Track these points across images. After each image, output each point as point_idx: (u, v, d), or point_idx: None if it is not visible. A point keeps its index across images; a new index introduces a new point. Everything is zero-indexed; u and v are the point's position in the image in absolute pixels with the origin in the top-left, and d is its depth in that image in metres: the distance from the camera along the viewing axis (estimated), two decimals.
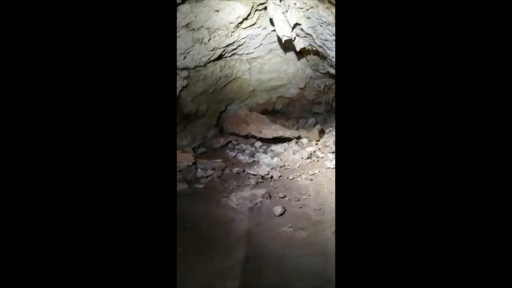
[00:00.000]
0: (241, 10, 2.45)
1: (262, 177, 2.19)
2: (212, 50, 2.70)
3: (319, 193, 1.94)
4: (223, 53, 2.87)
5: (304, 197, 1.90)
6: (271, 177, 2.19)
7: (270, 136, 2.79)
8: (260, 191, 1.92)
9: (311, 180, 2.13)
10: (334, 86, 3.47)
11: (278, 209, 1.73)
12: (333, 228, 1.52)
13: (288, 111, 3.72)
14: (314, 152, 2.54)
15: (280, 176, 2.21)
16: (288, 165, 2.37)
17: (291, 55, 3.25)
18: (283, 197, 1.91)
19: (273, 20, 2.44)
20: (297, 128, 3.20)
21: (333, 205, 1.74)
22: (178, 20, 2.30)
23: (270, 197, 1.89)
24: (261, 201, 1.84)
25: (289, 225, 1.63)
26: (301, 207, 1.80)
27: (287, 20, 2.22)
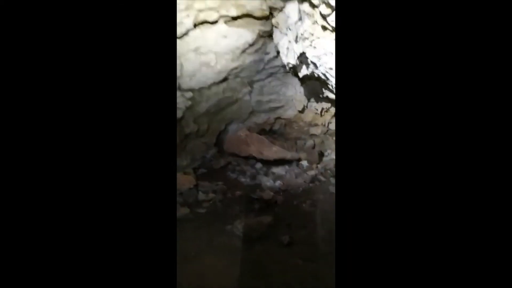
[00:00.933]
0: (248, 37, 2.54)
1: (266, 202, 2.17)
2: (218, 73, 2.75)
3: (325, 221, 1.94)
4: (227, 76, 2.92)
5: (311, 225, 1.89)
6: (275, 202, 2.17)
7: (271, 158, 2.80)
8: (266, 219, 1.89)
9: (316, 206, 2.12)
10: (331, 109, 3.60)
11: (286, 238, 1.70)
12: None
13: (286, 132, 3.78)
14: (316, 175, 2.56)
15: (284, 201, 2.19)
16: (291, 190, 2.37)
17: (290, 78, 3.35)
18: (289, 224, 1.88)
19: (278, 47, 2.54)
20: (296, 150, 3.24)
21: None
22: (187, 44, 2.34)
23: (276, 225, 1.87)
24: (267, 229, 1.80)
25: (299, 256, 1.59)
26: (308, 236, 1.78)
27: (293, 49, 2.31)
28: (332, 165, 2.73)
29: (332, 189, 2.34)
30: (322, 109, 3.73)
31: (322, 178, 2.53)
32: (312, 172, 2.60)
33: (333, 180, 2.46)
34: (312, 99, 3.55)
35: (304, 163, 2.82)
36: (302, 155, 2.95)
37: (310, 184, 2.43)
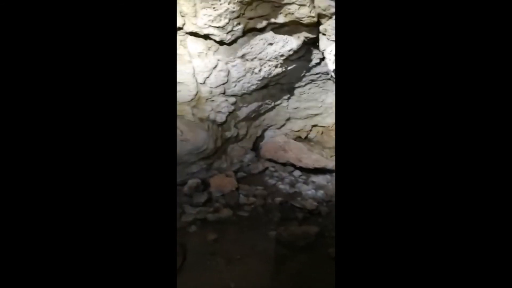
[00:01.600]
0: (293, 44, 2.54)
1: (310, 211, 2.09)
2: (261, 80, 2.78)
3: None
4: (269, 83, 2.94)
5: None
6: (319, 212, 2.08)
7: (311, 166, 2.72)
8: (312, 229, 1.82)
9: None
10: None
11: (333, 251, 1.61)
12: None
13: (323, 140, 3.68)
14: None
15: (329, 212, 2.10)
16: (334, 201, 2.26)
17: (330, 85, 3.27)
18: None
19: (324, 54, 2.49)
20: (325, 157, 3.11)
21: None
22: (235, 51, 2.41)
23: (322, 236, 1.78)
24: (314, 240, 1.73)
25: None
26: None
27: None
28: None
29: None
30: None
31: None
32: None
33: None
34: None
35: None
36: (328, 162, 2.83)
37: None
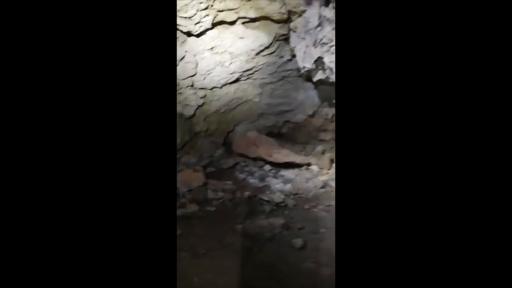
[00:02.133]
0: (264, 39, 2.55)
1: (277, 204, 2.14)
2: (231, 73, 2.75)
3: None
4: (240, 77, 2.93)
5: (323, 230, 1.86)
6: (286, 205, 2.14)
7: (281, 161, 2.78)
8: (278, 221, 1.86)
9: (328, 211, 2.10)
10: None
11: (298, 242, 1.68)
12: None
13: (294, 136, 3.78)
14: (327, 181, 2.54)
15: (295, 204, 2.17)
16: (302, 193, 2.34)
17: (302, 82, 3.36)
18: (301, 229, 1.86)
19: (294, 51, 2.54)
20: (305, 155, 3.22)
21: None
22: (204, 43, 2.35)
23: (288, 227, 1.84)
24: (279, 232, 1.78)
25: (312, 260, 1.57)
26: (321, 241, 1.75)
27: (310, 53, 2.32)
28: None
29: None
30: (333, 114, 3.72)
31: (333, 184, 2.51)
32: (323, 178, 2.58)
33: None
34: (324, 105, 3.56)
35: (314, 168, 2.80)
36: (312, 160, 2.94)
37: (321, 190, 2.41)
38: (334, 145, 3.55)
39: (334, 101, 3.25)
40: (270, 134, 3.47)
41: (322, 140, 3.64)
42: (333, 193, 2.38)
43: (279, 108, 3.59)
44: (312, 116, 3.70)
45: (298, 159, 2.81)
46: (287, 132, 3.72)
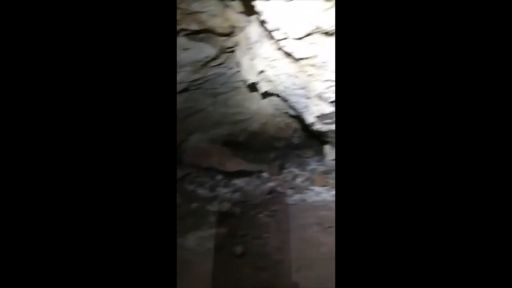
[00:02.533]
0: (209, 51, 2.60)
1: (224, 213, 2.16)
2: (179, 83, 2.74)
3: (279, 231, 1.99)
4: (188, 87, 2.92)
5: (266, 235, 1.92)
6: (233, 213, 2.17)
7: (232, 170, 2.82)
8: (220, 230, 1.88)
9: (272, 216, 2.18)
10: (292, 125, 3.80)
11: (238, 249, 1.71)
12: (294, 269, 1.55)
13: (250, 144, 3.87)
14: (275, 187, 2.64)
15: (242, 212, 2.21)
16: (249, 201, 2.39)
17: (255, 93, 3.49)
18: (244, 236, 1.89)
19: (240, 63, 2.65)
20: (259, 162, 3.31)
21: (293, 243, 1.80)
22: None
23: (230, 235, 1.86)
24: (221, 241, 1.79)
25: (250, 266, 1.60)
26: (262, 246, 1.80)
27: (254, 66, 2.44)
28: (290, 177, 2.85)
29: (288, 200, 2.43)
30: (285, 123, 3.92)
31: (280, 190, 2.62)
32: (271, 184, 2.68)
33: (290, 192, 2.56)
34: (277, 114, 3.73)
35: (265, 174, 2.90)
36: (263, 167, 3.03)
37: (268, 196, 2.50)
38: (286, 152, 3.73)
39: (283, 111, 3.43)
40: (226, 143, 3.50)
41: (275, 148, 3.79)
42: (278, 199, 2.49)
43: (234, 117, 3.65)
44: (266, 124, 3.84)
45: (250, 167, 2.88)
46: (242, 141, 3.80)
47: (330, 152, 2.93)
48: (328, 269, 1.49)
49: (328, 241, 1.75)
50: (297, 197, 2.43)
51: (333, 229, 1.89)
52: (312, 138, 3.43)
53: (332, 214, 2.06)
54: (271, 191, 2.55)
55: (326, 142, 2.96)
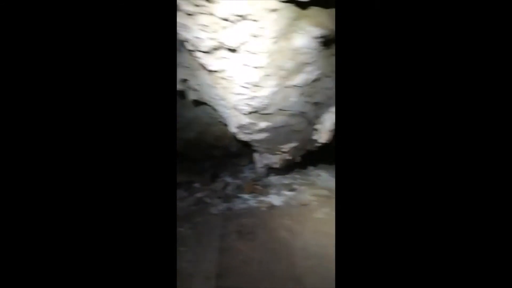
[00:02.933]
0: None
1: None
2: None
3: (199, 243, 1.96)
4: None
5: (183, 248, 1.87)
6: None
7: None
8: None
9: (192, 229, 2.14)
10: (228, 133, 3.86)
11: None
12: (205, 279, 1.54)
13: (185, 153, 3.76)
14: (202, 198, 2.61)
15: None
16: None
17: (188, 102, 3.43)
18: None
19: None
20: (192, 172, 3.24)
21: (211, 255, 1.79)
22: None
23: None
24: None
25: None
26: (178, 260, 1.74)
27: (179, 74, 2.40)
28: (221, 186, 2.86)
29: (213, 210, 2.43)
30: (221, 131, 3.94)
31: (208, 200, 2.60)
32: (199, 194, 2.64)
33: (216, 201, 2.56)
34: (210, 122, 3.72)
35: (197, 185, 2.84)
36: (196, 177, 2.98)
37: (193, 207, 2.45)
38: (224, 160, 3.74)
39: (216, 119, 3.45)
40: None
41: (213, 156, 3.77)
42: (203, 210, 2.47)
43: None
44: (201, 133, 3.80)
45: (180, 178, 2.79)
46: (179, 150, 3.66)
47: (259, 159, 3.05)
48: (244, 277, 1.53)
49: (244, 248, 1.80)
50: (223, 206, 2.45)
51: (252, 236, 1.95)
52: (247, 146, 3.54)
53: (254, 220, 2.13)
54: (198, 202, 2.51)
55: (254, 151, 3.08)
